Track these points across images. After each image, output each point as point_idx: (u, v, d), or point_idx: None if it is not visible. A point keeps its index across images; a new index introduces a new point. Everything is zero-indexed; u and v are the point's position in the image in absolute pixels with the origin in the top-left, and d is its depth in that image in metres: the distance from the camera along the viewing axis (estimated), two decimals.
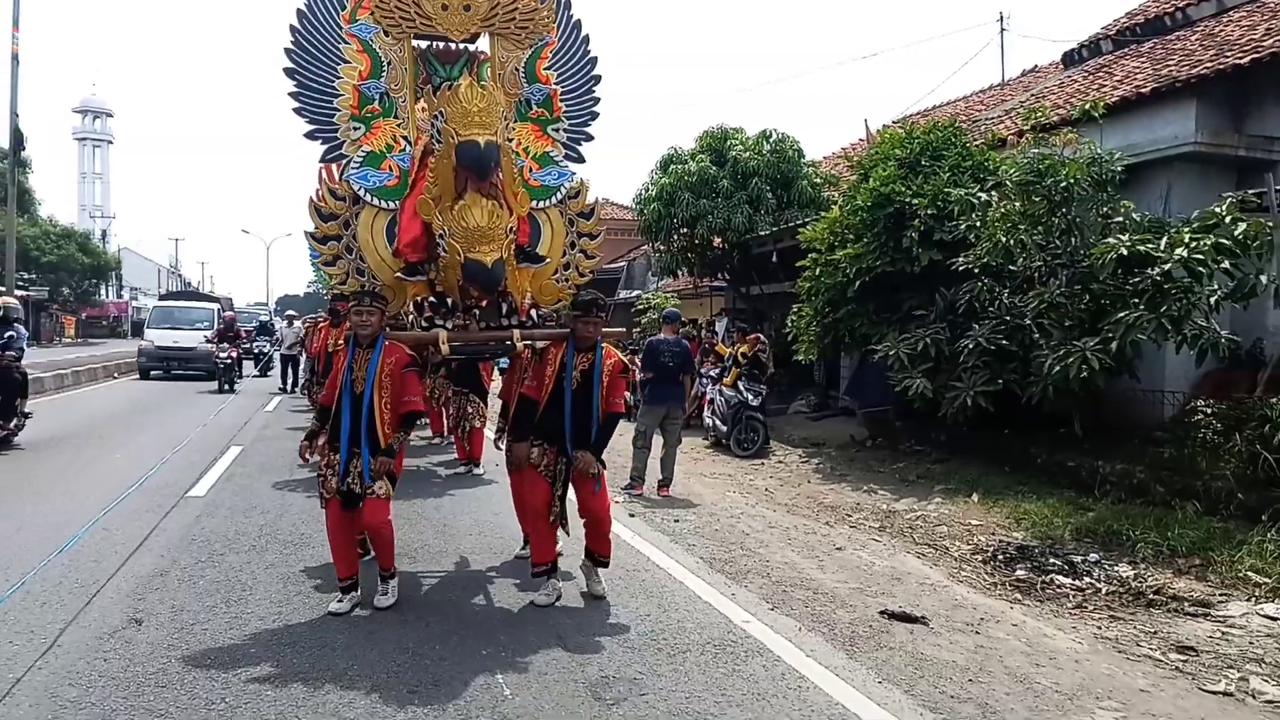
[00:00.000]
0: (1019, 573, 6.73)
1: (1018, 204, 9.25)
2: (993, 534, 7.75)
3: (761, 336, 13.22)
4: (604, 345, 5.48)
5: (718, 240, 16.89)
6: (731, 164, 16.06)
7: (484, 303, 5.47)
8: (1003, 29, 20.03)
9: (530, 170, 5.94)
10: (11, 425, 10.93)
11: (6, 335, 10.94)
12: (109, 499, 7.84)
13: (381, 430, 5.07)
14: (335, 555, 5.27)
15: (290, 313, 22.55)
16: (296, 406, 16.78)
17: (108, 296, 53.69)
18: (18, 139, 17.26)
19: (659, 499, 9.02)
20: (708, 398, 13.32)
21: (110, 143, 74.27)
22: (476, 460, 10.24)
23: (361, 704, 3.91)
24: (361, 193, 5.56)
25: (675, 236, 16.90)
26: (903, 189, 10.62)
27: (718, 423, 12.82)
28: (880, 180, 10.70)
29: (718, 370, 13.65)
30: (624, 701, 4.03)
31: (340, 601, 5.18)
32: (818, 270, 11.46)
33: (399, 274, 5.52)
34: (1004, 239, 9.15)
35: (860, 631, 5.17)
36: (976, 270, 9.71)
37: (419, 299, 5.52)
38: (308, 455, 5.42)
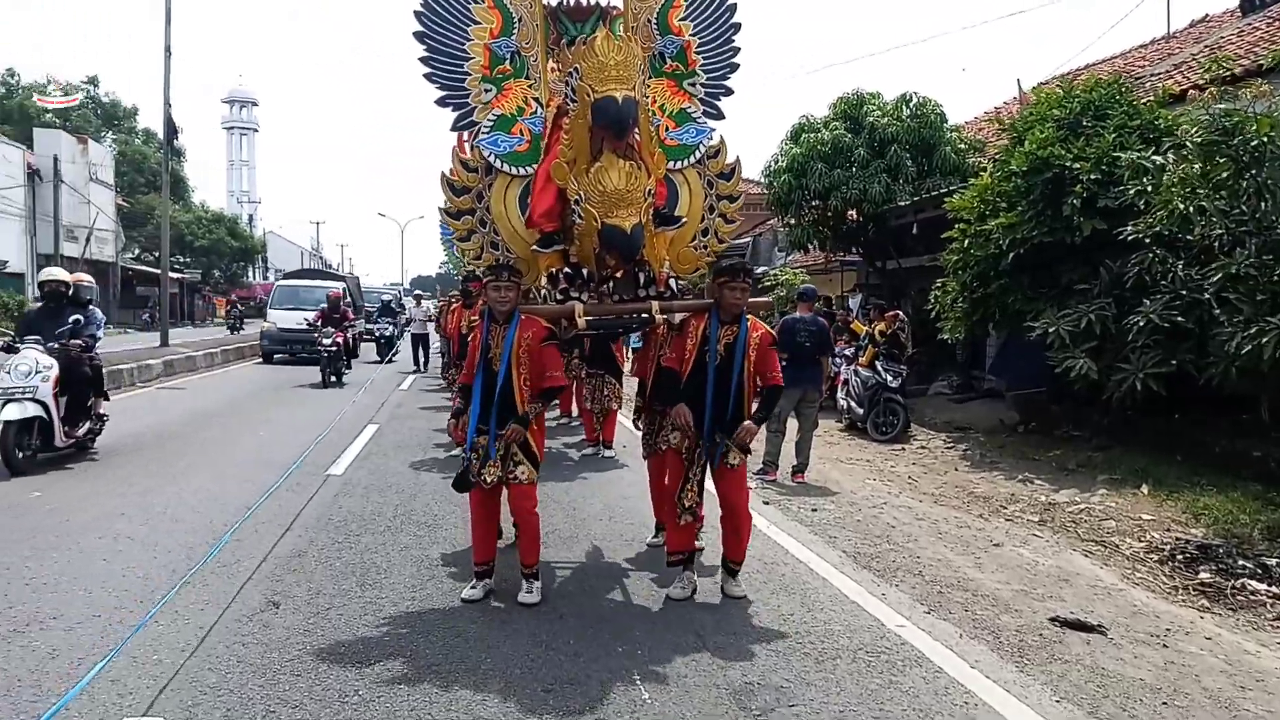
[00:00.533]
0: (1203, 575, 6.09)
1: (1198, 166, 8.35)
2: (1168, 530, 7.06)
3: (901, 314, 12.59)
4: (749, 317, 5.11)
5: (852, 213, 16.20)
6: (868, 131, 15.32)
7: (620, 273, 5.22)
8: None
9: (666, 129, 5.62)
10: (81, 432, 8.86)
11: (73, 318, 8.73)
12: (253, 480, 8.05)
13: (520, 409, 4.92)
14: (474, 537, 5.14)
15: (418, 292, 22.71)
16: (430, 386, 17.18)
17: (254, 279, 56.66)
18: (170, 128, 18.21)
19: (794, 485, 8.65)
20: (842, 378, 12.80)
21: (256, 130, 78.27)
22: (609, 442, 10.08)
23: (495, 702, 3.75)
24: (492, 159, 5.37)
25: (806, 209, 16.29)
26: (1062, 152, 9.79)
27: (853, 405, 12.30)
28: (1037, 143, 9.91)
29: (852, 349, 13.10)
30: (771, 712, 3.74)
31: (474, 588, 5.08)
32: (966, 242, 10.74)
33: (534, 246, 5.30)
34: (1181, 205, 8.28)
35: (1029, 640, 4.71)
36: (1147, 240, 8.87)
37: (553, 270, 5.31)
38: (459, 434, 5.32)
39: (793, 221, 16.88)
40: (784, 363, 9.06)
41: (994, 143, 14.52)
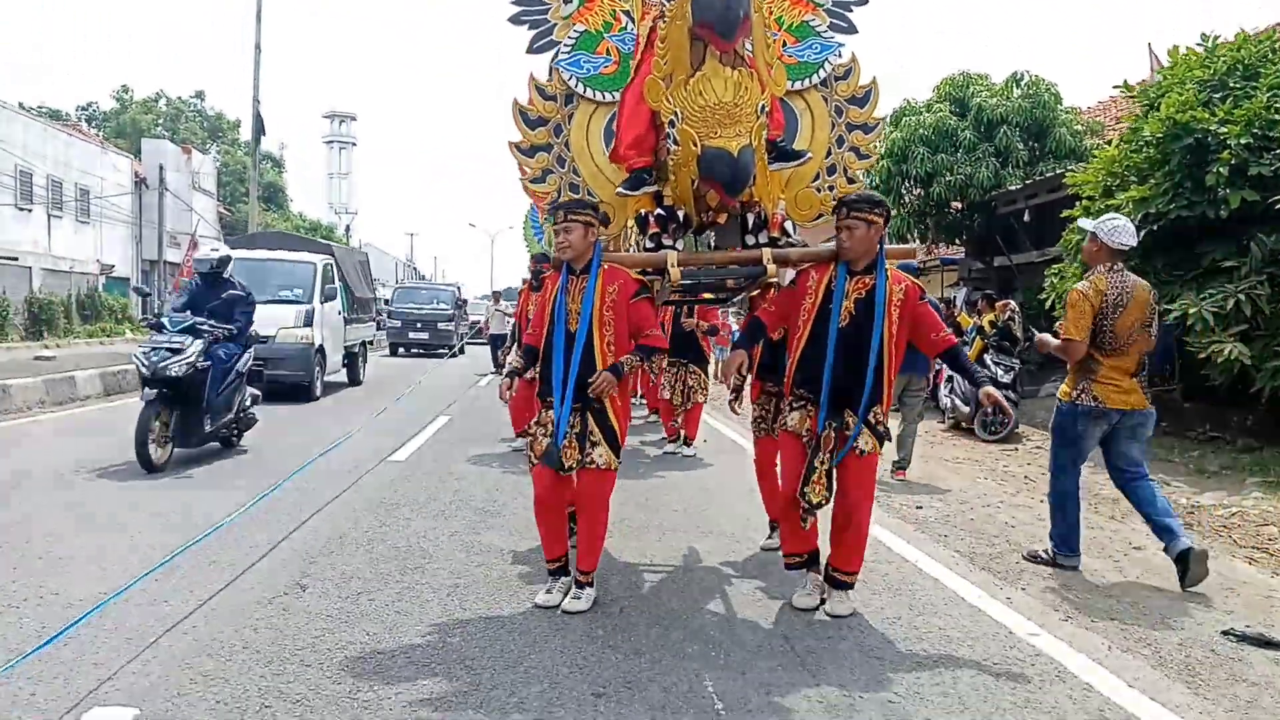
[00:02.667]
0: None
1: None
2: None
3: (1012, 303, 11.54)
4: (889, 268, 4.10)
5: (956, 202, 15.15)
6: (975, 112, 14.28)
7: (724, 218, 4.34)
8: None
9: (784, 45, 4.74)
10: (223, 421, 7.84)
11: (224, 294, 7.91)
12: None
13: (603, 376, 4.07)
14: (543, 531, 4.26)
15: (496, 290, 22.05)
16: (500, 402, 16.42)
17: None
18: (259, 124, 18.37)
19: (894, 483, 7.77)
20: (945, 374, 11.79)
21: (354, 144, 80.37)
22: (690, 439, 9.24)
23: (535, 705, 3.09)
24: (573, 83, 4.61)
25: (906, 198, 15.31)
26: (1206, 115, 8.68)
27: (958, 402, 11.28)
28: (1175, 106, 8.81)
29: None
30: None
31: (550, 592, 4.19)
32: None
33: (619, 188, 4.44)
34: None
35: (1198, 657, 3.80)
36: None
37: (642, 213, 4.42)
38: (507, 395, 4.65)
39: (891, 212, 15.91)
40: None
41: (1115, 127, 13.36)
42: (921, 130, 14.41)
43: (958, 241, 16.91)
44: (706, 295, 5.78)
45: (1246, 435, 8.89)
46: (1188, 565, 4.71)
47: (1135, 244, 5.18)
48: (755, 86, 3.91)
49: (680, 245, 4.39)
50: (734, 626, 4.03)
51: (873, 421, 4.08)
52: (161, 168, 34.28)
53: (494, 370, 18.80)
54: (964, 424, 11.17)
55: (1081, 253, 6.09)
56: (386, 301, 29.43)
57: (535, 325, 4.39)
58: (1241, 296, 7.96)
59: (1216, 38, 9.59)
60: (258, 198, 34.22)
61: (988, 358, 10.79)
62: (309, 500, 5.99)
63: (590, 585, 4.23)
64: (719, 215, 4.34)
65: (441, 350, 22.32)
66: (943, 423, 11.69)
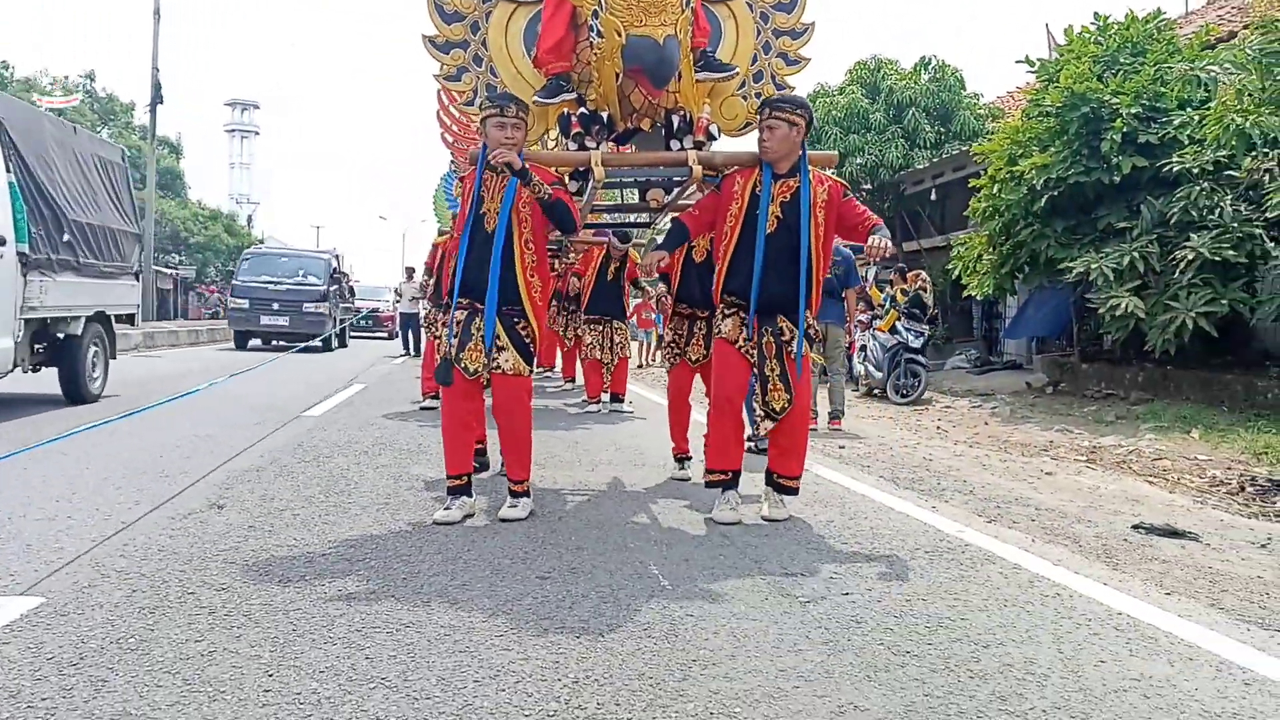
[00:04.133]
0: None
1: (1255, 80, 7.65)
2: (1229, 469, 6.31)
3: (924, 274, 11.86)
4: (811, 169, 4.08)
5: (867, 186, 15.52)
6: (885, 95, 14.67)
7: (647, 123, 4.28)
8: None
9: None
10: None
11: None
12: (214, 417, 7.28)
13: (523, 279, 3.95)
14: (447, 445, 4.04)
15: (409, 266, 19.08)
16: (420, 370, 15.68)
17: None
18: (157, 93, 17.54)
19: (827, 432, 7.83)
20: (858, 344, 12.04)
21: (256, 133, 77.63)
22: (620, 394, 9.09)
23: (479, 588, 3.00)
24: None
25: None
26: (1099, 87, 9.10)
27: (871, 369, 11.52)
28: (1072, 78, 9.20)
29: (868, 316, 12.34)
30: (822, 600, 2.98)
31: (448, 508, 3.97)
32: (995, 187, 10.02)
33: (536, 96, 4.35)
34: (1238, 120, 7.55)
35: (1113, 545, 3.95)
36: (1195, 171, 8.17)
37: (565, 113, 4.37)
38: (436, 332, 4.49)
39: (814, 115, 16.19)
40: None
41: (1015, 112, 13.87)
42: (834, 112, 14.73)
43: None
44: (633, 221, 5.77)
45: (1139, 390, 9.33)
46: None
47: None
48: None
49: (604, 150, 4.30)
50: (673, 527, 4.02)
51: (806, 326, 4.11)
52: None
53: (405, 352, 17.78)
54: (877, 390, 11.42)
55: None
56: (231, 274, 23.29)
57: (456, 228, 4.24)
58: (1135, 255, 8.36)
59: (1108, 18, 10.06)
60: (155, 185, 32.75)
61: (900, 325, 11.04)
62: (215, 447, 5.71)
63: (526, 495, 4.14)
64: (643, 119, 4.30)
65: (313, 341, 14.45)
66: (857, 390, 11.93)
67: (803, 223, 4.00)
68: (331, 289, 19.18)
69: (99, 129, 45.34)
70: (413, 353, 17.47)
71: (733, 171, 4.23)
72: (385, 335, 25.72)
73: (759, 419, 4.14)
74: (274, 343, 18.54)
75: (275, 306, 18.21)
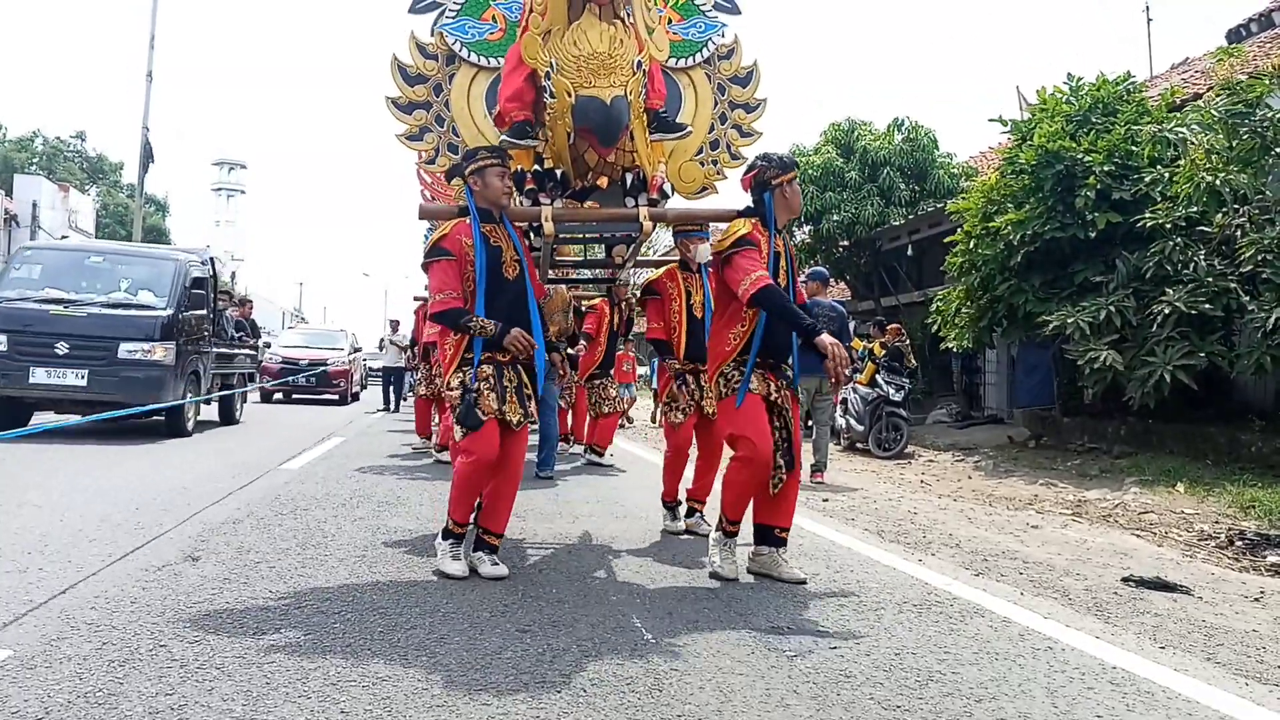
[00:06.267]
0: (1271, 559, 5.29)
1: (1222, 137, 7.81)
2: (1216, 522, 6.28)
3: (901, 327, 11.91)
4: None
5: (844, 242, 15.68)
6: (860, 154, 14.88)
7: (604, 181, 4.30)
8: (1149, 19, 18.49)
9: (670, 21, 4.80)
10: None
11: None
12: (189, 470, 7.14)
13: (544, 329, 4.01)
14: (471, 492, 3.86)
15: (392, 319, 17.69)
16: (400, 425, 15.14)
17: None
18: (147, 152, 17.55)
19: (810, 485, 7.76)
20: (839, 397, 12.03)
21: (243, 192, 78.04)
22: (600, 448, 8.94)
23: (457, 642, 2.89)
24: (458, 48, 4.56)
25: (797, 235, 15.77)
26: (1072, 145, 9.27)
27: (852, 422, 11.50)
28: (1046, 136, 9.38)
29: (849, 369, 12.36)
30: (810, 654, 2.90)
31: (455, 559, 3.84)
32: (971, 243, 10.12)
33: (504, 135, 4.27)
34: (1209, 178, 7.68)
35: (1104, 598, 3.89)
36: (1168, 226, 8.29)
37: (519, 169, 4.33)
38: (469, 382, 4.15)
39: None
40: (799, 351, 8.20)
41: (988, 171, 14.10)
42: (811, 171, 14.89)
43: (846, 279, 17.45)
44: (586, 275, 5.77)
45: (1121, 443, 9.34)
46: None
47: None
48: (632, 43, 3.99)
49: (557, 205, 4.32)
50: (657, 579, 3.92)
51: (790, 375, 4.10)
52: (35, 204, 32.41)
53: (384, 408, 17.12)
54: (859, 443, 11.38)
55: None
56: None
57: (449, 299, 3.90)
58: (1112, 309, 8.43)
59: (1080, 79, 10.30)
60: (140, 242, 32.76)
61: (880, 378, 11.05)
62: (192, 499, 5.58)
63: (495, 550, 3.98)
64: (599, 178, 4.32)
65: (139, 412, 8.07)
66: (839, 443, 11.88)
67: (790, 280, 4.09)
68: (190, 315, 9.95)
69: (88, 188, 45.44)
70: (392, 408, 17.06)
71: (742, 232, 3.98)
72: (336, 397, 19.62)
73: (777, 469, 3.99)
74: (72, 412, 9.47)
75: (61, 350, 8.97)
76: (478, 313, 3.78)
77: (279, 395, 19.20)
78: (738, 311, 3.97)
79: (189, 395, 9.82)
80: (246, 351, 13.11)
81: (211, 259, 11.64)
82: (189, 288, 10.10)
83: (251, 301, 15.39)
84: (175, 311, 9.62)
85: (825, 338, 3.62)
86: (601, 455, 8.85)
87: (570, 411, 10.01)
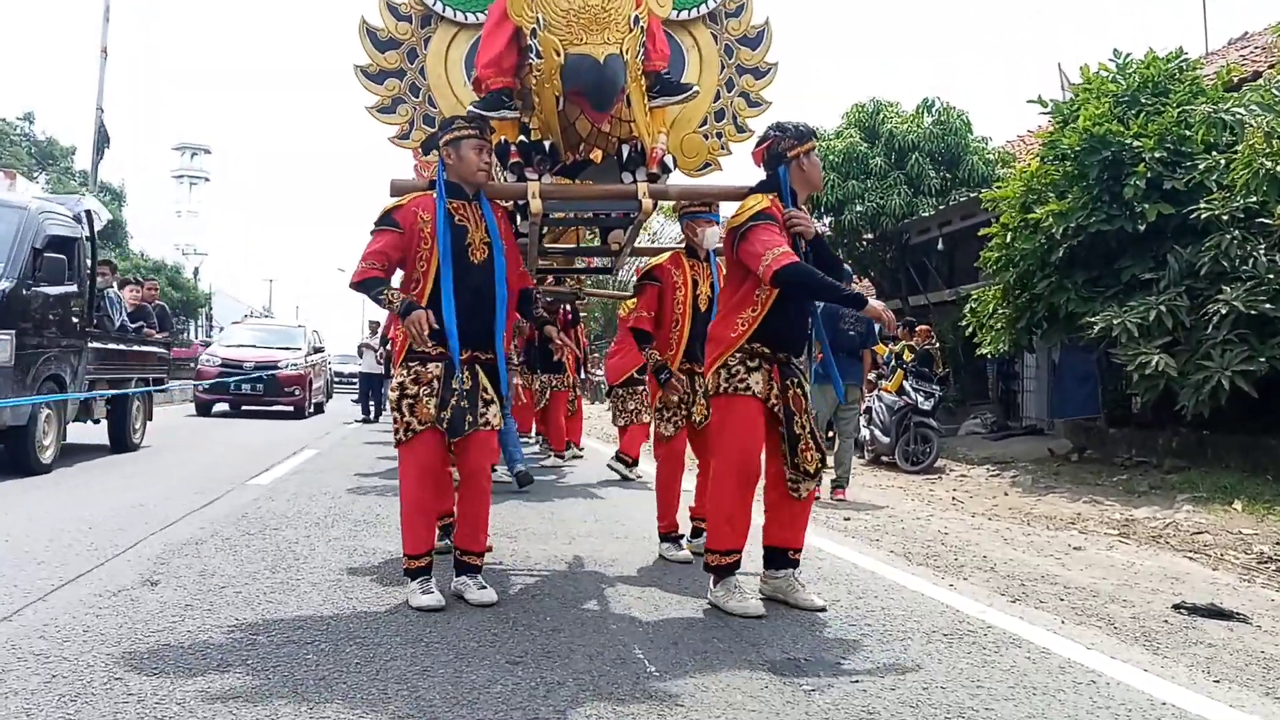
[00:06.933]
0: None
1: None
2: (1278, 544, 6.28)
3: (930, 329, 11.93)
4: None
5: (868, 234, 15.71)
6: (886, 138, 14.92)
7: (597, 154, 4.23)
8: None
9: None
10: None
11: None
12: (148, 485, 7.17)
13: (511, 321, 3.97)
14: (415, 519, 3.84)
15: (375, 320, 17.20)
16: (377, 437, 13.59)
17: (195, 336, 55.70)
18: (102, 135, 17.62)
19: (830, 502, 7.76)
20: (863, 405, 12.05)
21: (206, 179, 78.09)
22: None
23: (442, 674, 2.91)
24: (434, 3, 4.46)
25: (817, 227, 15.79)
26: (1120, 129, 9.28)
27: (877, 434, 11.51)
28: (1091, 119, 9.39)
29: (874, 375, 12.37)
30: (829, 689, 2.91)
31: (426, 592, 3.75)
32: (1008, 236, 10.14)
33: (473, 106, 4.18)
34: (1269, 164, 7.69)
35: (1153, 626, 3.90)
36: (1224, 218, 8.30)
37: (503, 140, 4.18)
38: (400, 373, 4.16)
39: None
40: (822, 355, 8.24)
41: (1027, 157, 14.12)
42: (831, 157, 14.91)
43: (870, 275, 17.46)
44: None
45: (1173, 456, 9.34)
46: None
47: None
48: None
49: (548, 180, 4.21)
50: (660, 607, 3.94)
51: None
52: None
53: (364, 418, 16.81)
54: (884, 457, 11.39)
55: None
56: None
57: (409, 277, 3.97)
58: (1163, 309, 8.43)
59: (1128, 56, 10.31)
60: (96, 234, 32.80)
61: (908, 385, 11.06)
62: (150, 517, 5.60)
63: (477, 571, 3.96)
64: (592, 150, 4.24)
65: None
66: (862, 457, 11.89)
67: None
68: (43, 293, 7.75)
69: (36, 175, 45.56)
70: (372, 417, 16.85)
71: (757, 209, 3.96)
72: (290, 408, 17.42)
73: (792, 483, 3.97)
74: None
75: None
76: (444, 301, 3.73)
77: (224, 406, 17.37)
78: (749, 294, 3.91)
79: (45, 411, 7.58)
80: (152, 349, 10.68)
81: (88, 213, 8.98)
82: (42, 251, 7.66)
83: (155, 281, 13.67)
84: (16, 286, 7.32)
85: (875, 303, 3.60)
86: (630, 465, 8.82)
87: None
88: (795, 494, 3.95)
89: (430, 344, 3.72)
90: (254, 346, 18.02)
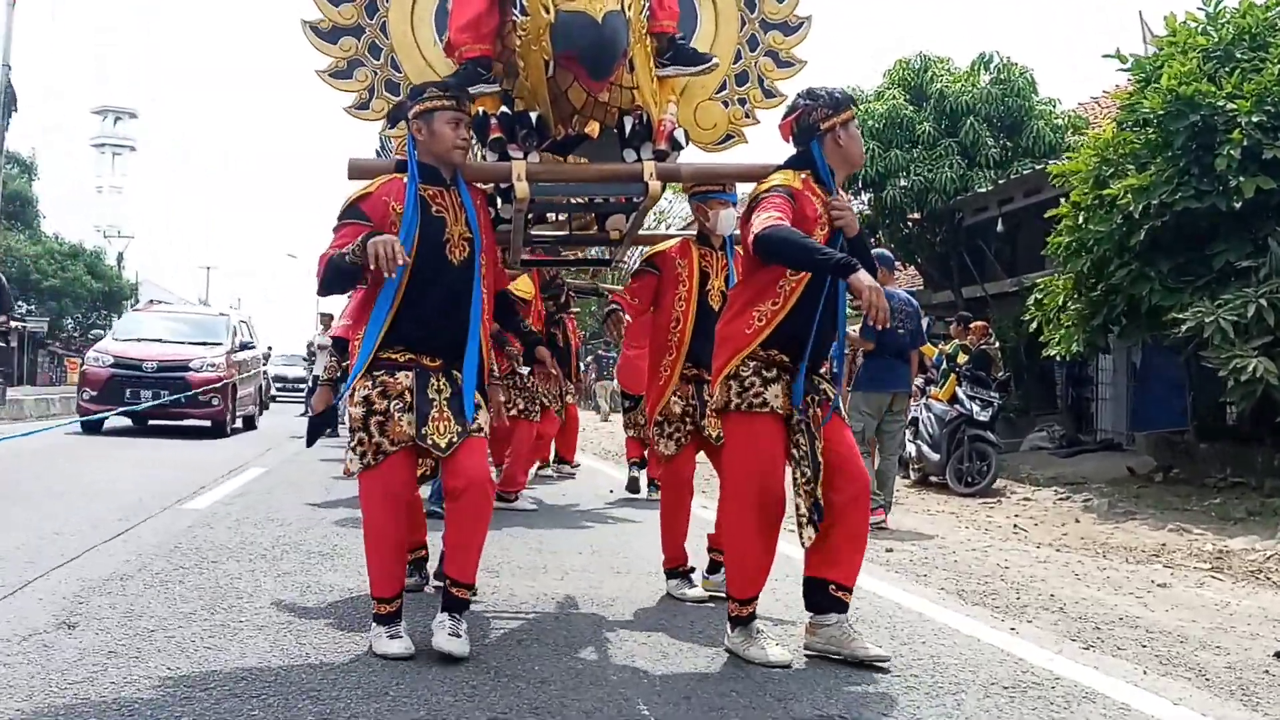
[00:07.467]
0: None
1: None
2: None
3: (988, 326, 11.97)
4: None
5: (914, 214, 15.73)
6: (935, 100, 14.98)
7: (593, 127, 4.27)
8: None
9: None
10: None
11: None
12: (65, 511, 7.20)
13: (487, 329, 3.97)
14: (385, 556, 3.81)
15: (324, 313, 16.75)
16: (332, 454, 13.23)
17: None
18: (9, 96, 17.67)
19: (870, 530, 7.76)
20: (908, 416, 12.07)
21: (132, 149, 78.58)
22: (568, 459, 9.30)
23: None
24: None
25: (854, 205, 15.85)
26: (1211, 89, 9.29)
27: (926, 449, 11.53)
28: (1176, 78, 9.40)
29: (922, 379, 12.38)
30: None
31: (395, 637, 3.73)
32: (1080, 217, 10.16)
33: (446, 79, 4.19)
34: None
35: (1251, 678, 3.95)
36: None
37: (481, 113, 4.13)
38: (321, 406, 4.26)
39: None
40: (867, 355, 8.31)
41: (1104, 122, 14.16)
42: (871, 122, 14.96)
43: (917, 262, 17.50)
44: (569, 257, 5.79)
45: (1274, 477, 9.35)
46: None
47: None
48: None
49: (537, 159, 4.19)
50: (668, 654, 3.97)
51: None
52: None
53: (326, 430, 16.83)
54: (934, 476, 11.42)
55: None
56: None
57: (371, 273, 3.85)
58: (1263, 303, 8.44)
59: (1220, 3, 10.32)
60: (1, 213, 32.95)
61: (962, 392, 11.08)
62: (65, 545, 5.63)
63: (467, 608, 3.92)
64: (588, 123, 4.25)
65: None
66: (908, 477, 11.91)
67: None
68: None
69: None
70: (329, 431, 16.81)
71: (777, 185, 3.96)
72: (206, 422, 15.52)
73: (804, 521, 3.92)
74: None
75: None
76: (399, 303, 3.74)
77: (123, 420, 15.42)
78: (771, 284, 3.86)
79: None
80: None
81: None
82: None
83: None
84: None
85: (862, 275, 3.46)
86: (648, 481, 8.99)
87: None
88: (803, 537, 3.93)
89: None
90: (160, 341, 16.22)
